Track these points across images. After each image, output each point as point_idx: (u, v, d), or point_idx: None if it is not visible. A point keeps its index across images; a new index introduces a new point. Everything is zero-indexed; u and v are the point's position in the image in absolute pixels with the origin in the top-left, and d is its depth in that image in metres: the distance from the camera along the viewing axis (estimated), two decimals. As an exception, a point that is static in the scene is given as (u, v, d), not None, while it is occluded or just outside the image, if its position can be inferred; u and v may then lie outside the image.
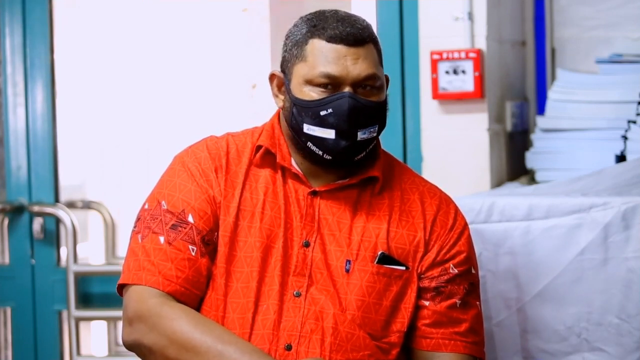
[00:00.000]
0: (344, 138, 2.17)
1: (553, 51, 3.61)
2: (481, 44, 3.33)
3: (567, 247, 2.71)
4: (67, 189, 4.04)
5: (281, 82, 2.25)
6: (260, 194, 2.23)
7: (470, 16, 3.31)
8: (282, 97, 2.25)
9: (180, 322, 2.11)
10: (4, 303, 3.84)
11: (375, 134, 2.21)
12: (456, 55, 3.31)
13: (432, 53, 3.33)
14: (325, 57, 2.16)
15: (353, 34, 2.17)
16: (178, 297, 2.16)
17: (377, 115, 2.20)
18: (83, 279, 3.76)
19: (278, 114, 2.31)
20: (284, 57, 2.24)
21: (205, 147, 2.28)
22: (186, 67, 4.63)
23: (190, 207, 2.20)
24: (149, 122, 4.65)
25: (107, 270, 3.85)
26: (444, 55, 3.32)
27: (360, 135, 2.18)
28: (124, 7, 4.54)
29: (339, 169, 2.25)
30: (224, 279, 2.19)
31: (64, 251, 3.79)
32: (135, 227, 2.23)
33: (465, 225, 2.33)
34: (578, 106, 3.32)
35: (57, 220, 3.76)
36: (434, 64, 3.33)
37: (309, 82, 2.18)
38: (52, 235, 3.79)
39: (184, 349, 2.09)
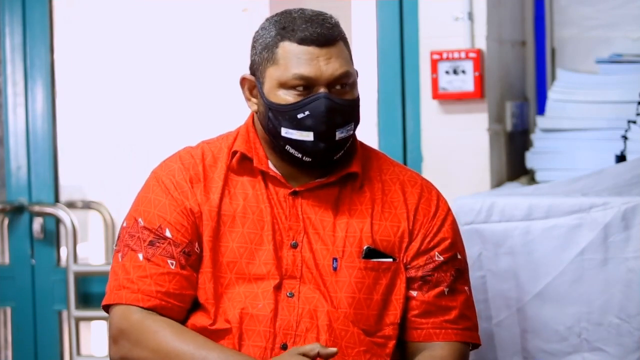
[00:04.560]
0: (323, 139, 2.17)
1: (553, 51, 3.61)
2: (481, 44, 3.33)
3: (567, 247, 2.72)
4: (67, 189, 4.04)
5: (253, 85, 2.24)
6: (240, 200, 2.23)
7: (470, 16, 3.31)
8: (255, 100, 2.25)
9: (164, 334, 2.13)
10: (4, 303, 3.83)
11: (352, 132, 2.22)
12: (456, 55, 3.31)
13: (432, 53, 3.33)
14: (297, 59, 2.15)
15: (324, 34, 2.16)
16: (160, 311, 2.18)
17: (352, 113, 2.21)
18: (83, 279, 3.75)
19: (252, 116, 2.31)
20: (253, 61, 2.23)
21: (179, 159, 2.28)
22: (186, 67, 4.63)
23: (166, 222, 2.21)
24: (149, 122, 4.65)
25: (107, 270, 3.80)
26: (444, 55, 3.32)
27: (339, 135, 2.18)
28: (124, 8, 4.54)
29: (318, 169, 2.25)
30: (212, 284, 2.20)
31: (64, 251, 3.79)
32: (116, 245, 2.26)
33: (448, 211, 2.32)
34: (578, 106, 3.32)
35: (57, 220, 3.76)
36: (434, 64, 3.33)
37: (283, 85, 2.17)
38: (52, 235, 3.78)
39: (168, 359, 2.11)
